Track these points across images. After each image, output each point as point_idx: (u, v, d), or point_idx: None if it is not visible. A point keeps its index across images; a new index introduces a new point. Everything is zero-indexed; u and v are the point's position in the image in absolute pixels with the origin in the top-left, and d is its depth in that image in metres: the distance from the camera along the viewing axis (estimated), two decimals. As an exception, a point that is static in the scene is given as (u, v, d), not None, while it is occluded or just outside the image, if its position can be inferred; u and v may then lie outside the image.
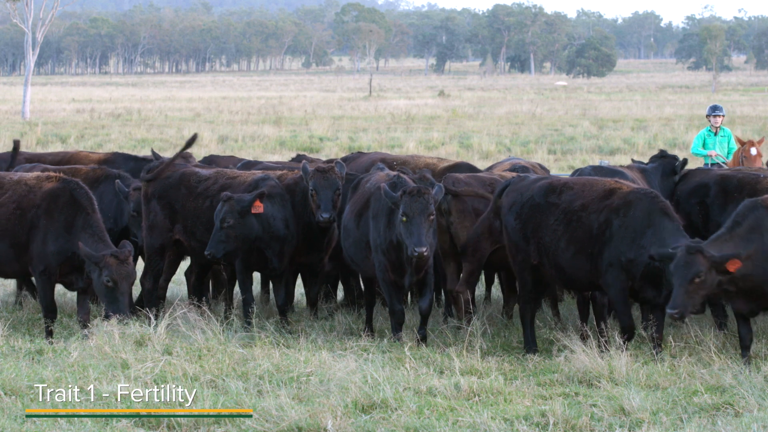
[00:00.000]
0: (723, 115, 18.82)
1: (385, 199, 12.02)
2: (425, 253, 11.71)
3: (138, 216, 13.91)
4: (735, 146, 18.73)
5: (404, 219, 11.78)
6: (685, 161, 14.94)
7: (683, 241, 11.10)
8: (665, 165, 14.81)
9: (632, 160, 15.64)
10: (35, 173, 13.14)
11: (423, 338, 12.19)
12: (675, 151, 19.31)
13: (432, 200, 11.84)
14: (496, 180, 13.35)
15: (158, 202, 13.69)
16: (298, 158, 16.98)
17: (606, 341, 11.47)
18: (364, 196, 12.71)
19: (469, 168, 15.05)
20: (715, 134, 18.74)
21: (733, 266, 10.84)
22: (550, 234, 11.99)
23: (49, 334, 12.43)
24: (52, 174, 12.98)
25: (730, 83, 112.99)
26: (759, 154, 18.31)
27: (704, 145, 18.77)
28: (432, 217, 11.83)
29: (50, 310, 12.54)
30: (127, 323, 11.96)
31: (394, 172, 12.96)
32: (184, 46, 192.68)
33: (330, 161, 16.34)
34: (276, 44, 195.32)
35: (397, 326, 12.30)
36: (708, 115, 19.01)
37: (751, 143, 18.40)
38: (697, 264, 10.81)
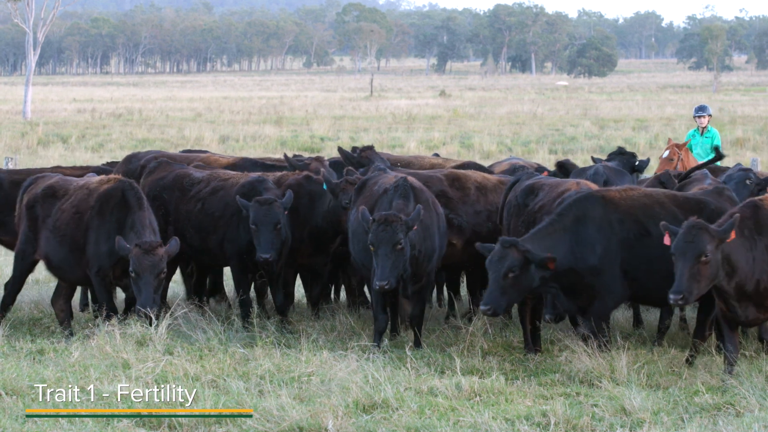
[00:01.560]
0: (708, 116, 18.68)
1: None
2: (386, 287, 11.45)
3: None
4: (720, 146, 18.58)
5: (372, 248, 11.54)
6: (647, 161, 15.00)
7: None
8: (624, 162, 14.88)
9: (592, 158, 15.58)
10: (101, 177, 13.03)
11: (417, 345, 11.93)
12: (676, 151, 19.26)
13: (401, 228, 11.43)
14: (432, 176, 13.27)
15: (153, 203, 13.63)
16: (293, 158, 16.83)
17: (607, 341, 11.46)
18: (372, 198, 12.40)
19: (476, 167, 15.03)
20: (702, 134, 18.69)
21: (551, 264, 10.61)
22: (514, 233, 11.96)
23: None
24: (113, 176, 12.88)
25: (731, 83, 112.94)
26: (668, 158, 18.11)
27: (692, 147, 18.76)
28: (399, 246, 11.42)
29: (111, 310, 12.33)
30: (128, 323, 11.96)
31: (402, 174, 12.67)
32: (185, 46, 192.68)
33: (368, 147, 16.03)
34: (277, 44, 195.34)
35: (377, 334, 12.02)
36: (693, 116, 19.01)
37: (669, 145, 18.32)
38: (511, 258, 10.63)
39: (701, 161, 18.18)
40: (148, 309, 11.72)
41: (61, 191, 12.93)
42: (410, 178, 12.35)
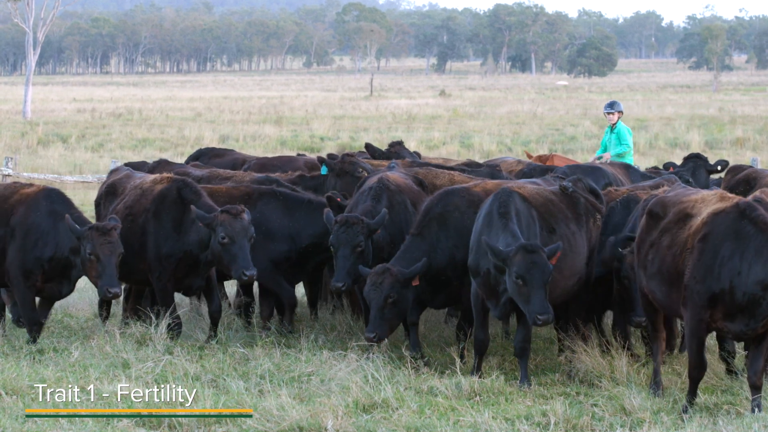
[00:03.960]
0: (618, 112, 18.49)
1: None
2: (342, 288, 11.42)
3: None
4: (625, 143, 18.41)
5: (332, 248, 11.52)
6: (724, 163, 15.35)
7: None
8: (694, 167, 15.21)
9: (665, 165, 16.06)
10: (155, 176, 12.73)
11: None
12: (676, 151, 19.28)
13: (362, 231, 11.34)
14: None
15: None
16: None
17: (607, 341, 11.46)
18: (356, 196, 12.31)
19: (476, 165, 14.99)
20: (612, 131, 18.67)
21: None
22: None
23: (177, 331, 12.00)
24: (166, 175, 12.59)
25: (731, 83, 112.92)
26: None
27: (604, 142, 18.80)
28: (359, 249, 11.35)
29: (173, 312, 11.98)
30: (127, 323, 11.96)
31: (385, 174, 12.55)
32: (185, 45, 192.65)
33: (397, 142, 16.26)
34: (277, 44, 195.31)
35: None
36: (604, 112, 19.02)
37: (528, 158, 18.41)
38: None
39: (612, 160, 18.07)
40: (251, 272, 11.56)
41: (120, 189, 12.69)
42: (392, 178, 12.25)
